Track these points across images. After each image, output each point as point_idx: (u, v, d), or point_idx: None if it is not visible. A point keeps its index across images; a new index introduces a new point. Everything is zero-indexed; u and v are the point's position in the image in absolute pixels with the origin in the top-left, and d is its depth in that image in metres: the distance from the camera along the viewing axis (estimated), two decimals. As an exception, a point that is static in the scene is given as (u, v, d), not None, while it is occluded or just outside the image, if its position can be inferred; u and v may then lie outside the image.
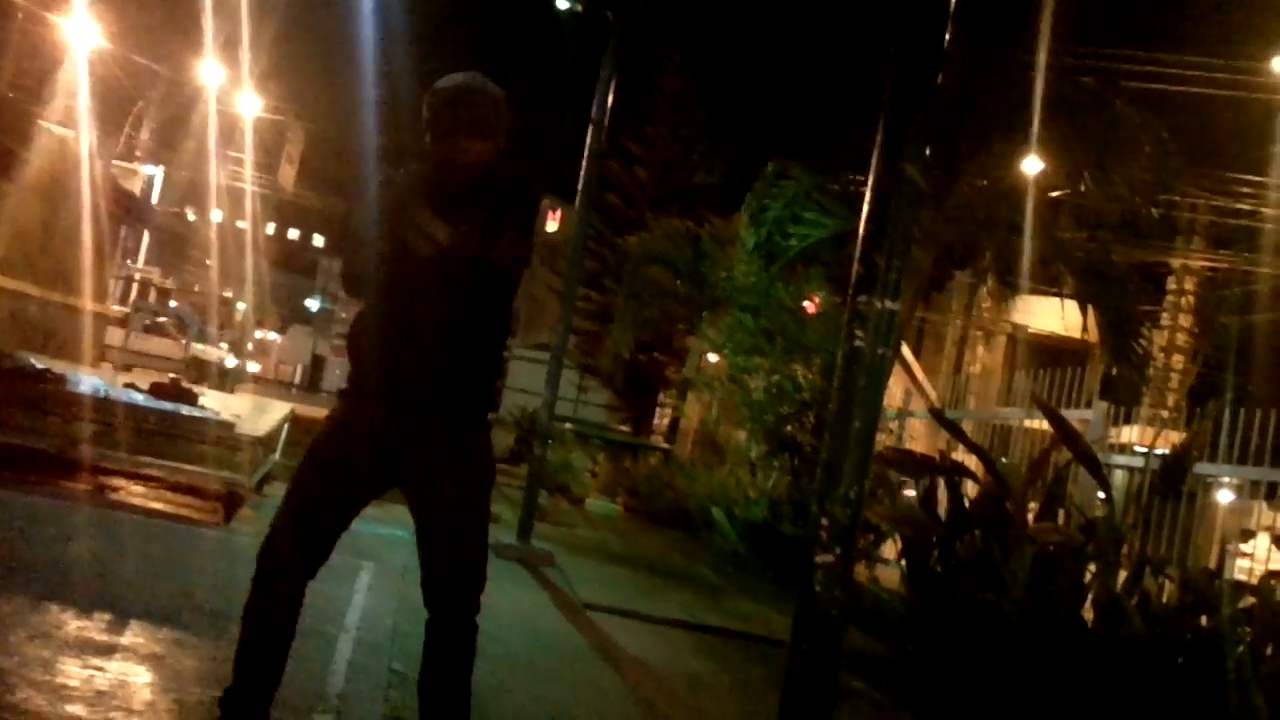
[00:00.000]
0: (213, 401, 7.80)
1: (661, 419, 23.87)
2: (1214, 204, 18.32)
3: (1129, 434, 6.83)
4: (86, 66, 17.01)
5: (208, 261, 32.93)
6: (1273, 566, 4.93)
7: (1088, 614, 4.69)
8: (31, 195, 13.52)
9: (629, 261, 15.98)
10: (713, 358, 15.46)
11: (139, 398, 6.92)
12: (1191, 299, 21.63)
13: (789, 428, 10.21)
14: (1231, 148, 16.90)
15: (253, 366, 29.43)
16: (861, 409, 2.19)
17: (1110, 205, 9.41)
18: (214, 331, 25.50)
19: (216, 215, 32.20)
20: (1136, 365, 9.14)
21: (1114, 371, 9.03)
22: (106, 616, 3.84)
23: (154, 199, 30.47)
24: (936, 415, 7.16)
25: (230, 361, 26.97)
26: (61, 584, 4.21)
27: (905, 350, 13.25)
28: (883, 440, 8.74)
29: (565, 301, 8.63)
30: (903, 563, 5.89)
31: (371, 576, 5.59)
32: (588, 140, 8.35)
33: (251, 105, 26.55)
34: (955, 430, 6.27)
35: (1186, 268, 21.29)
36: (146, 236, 31.02)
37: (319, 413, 5.55)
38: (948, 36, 2.25)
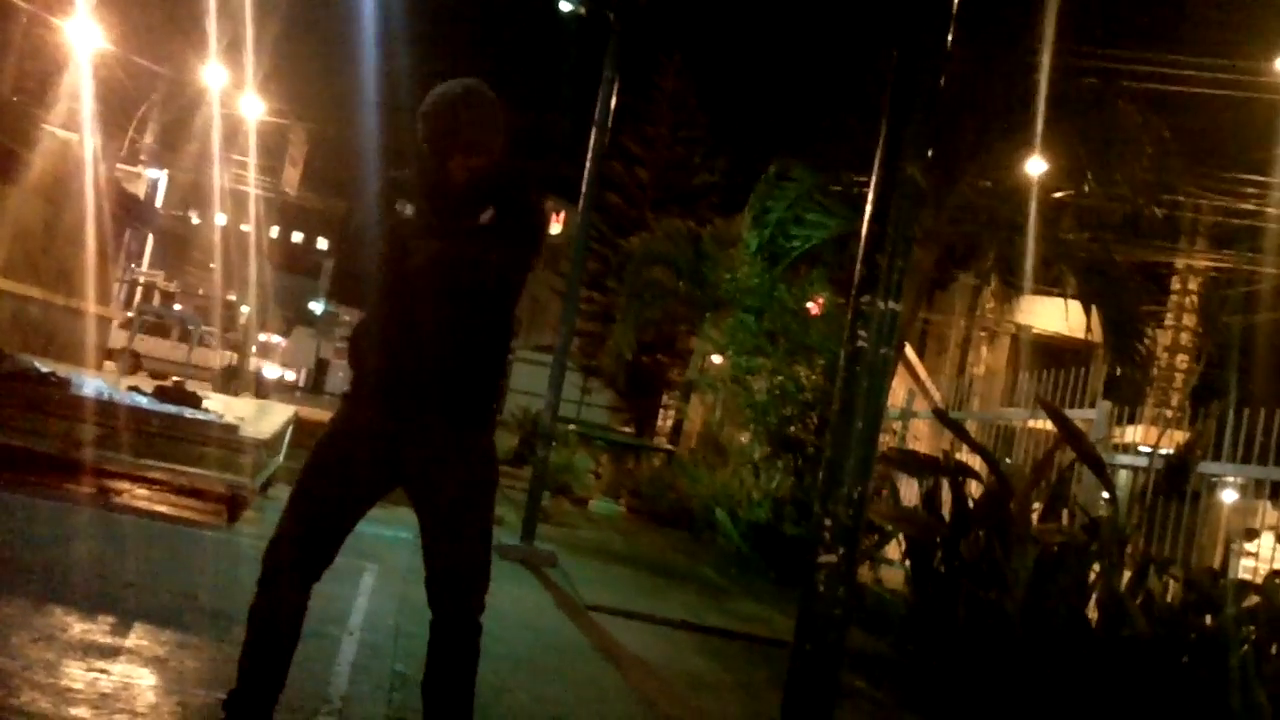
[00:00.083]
0: (216, 404, 7.80)
1: (665, 421, 23.87)
2: (1217, 204, 18.30)
3: (1133, 434, 6.82)
4: (90, 70, 17.04)
5: (211, 265, 32.94)
6: (1277, 566, 4.91)
7: (1092, 614, 4.68)
8: (35, 198, 13.54)
9: (631, 262, 16.00)
10: (716, 359, 15.46)
11: (142, 400, 6.93)
12: (1195, 299, 21.62)
13: (792, 428, 10.21)
14: (1233, 148, 16.89)
15: (289, 374, 28.71)
16: (864, 409, 2.20)
17: (1112, 205, 9.42)
18: (216, 334, 25.44)
19: (220, 218, 32.22)
20: (1140, 365, 9.14)
21: (1117, 371, 9.03)
22: (110, 619, 3.85)
23: (157, 202, 30.49)
24: (940, 416, 7.15)
25: (271, 371, 26.80)
26: (65, 586, 4.22)
27: (909, 351, 13.27)
28: (886, 441, 8.74)
29: (567, 302, 8.59)
30: (906, 563, 5.88)
31: (375, 578, 5.59)
32: (591, 142, 8.34)
33: (255, 108, 26.55)
34: (959, 430, 6.27)
35: (1190, 268, 21.28)
36: (150, 240, 31.05)
37: (323, 415, 5.55)
38: (950, 38, 2.26)
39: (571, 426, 16.57)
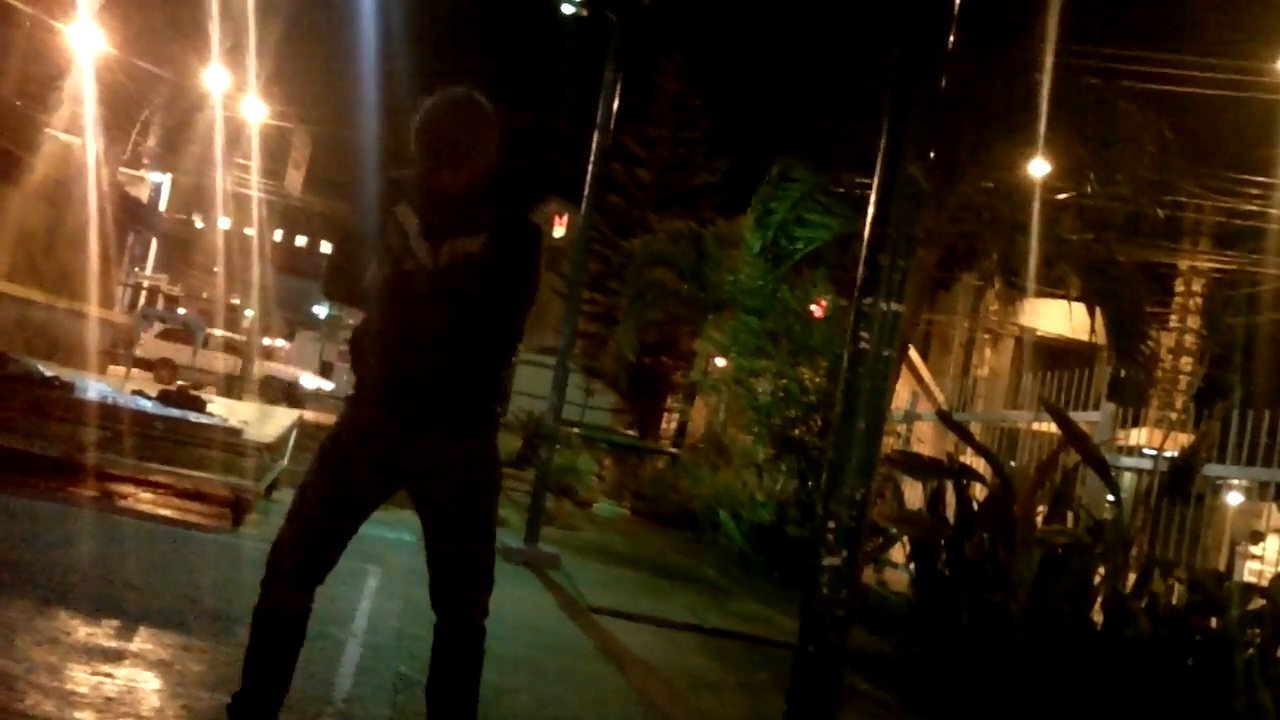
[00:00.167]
0: (220, 408, 7.81)
1: (668, 423, 23.84)
2: (1219, 204, 18.29)
3: (1137, 436, 6.81)
4: (92, 73, 17.06)
5: (215, 268, 32.97)
6: (1281, 567, 4.91)
7: (1096, 616, 4.68)
8: (38, 202, 13.58)
9: (633, 263, 16.02)
10: (720, 361, 15.46)
11: (146, 404, 6.94)
12: (1198, 300, 21.60)
13: (795, 430, 10.21)
14: (1235, 148, 16.88)
15: (326, 385, 28.09)
16: (867, 410, 2.19)
17: (1114, 205, 9.41)
18: (221, 337, 25.43)
19: (223, 222, 32.25)
20: (1144, 366, 9.13)
21: (1121, 373, 9.02)
22: (114, 622, 3.85)
23: (161, 206, 30.57)
24: (944, 417, 7.14)
25: (309, 381, 26.61)
26: (69, 589, 4.22)
27: (912, 352, 13.26)
28: (890, 443, 8.74)
29: (570, 304, 8.57)
30: (911, 565, 5.88)
31: (378, 580, 5.60)
32: (593, 143, 8.32)
33: (257, 111, 26.59)
34: (962, 432, 6.27)
35: (1194, 269, 21.26)
36: (154, 243, 31.09)
37: (327, 418, 5.56)
38: (950, 38, 2.26)
39: (575, 429, 16.58)
